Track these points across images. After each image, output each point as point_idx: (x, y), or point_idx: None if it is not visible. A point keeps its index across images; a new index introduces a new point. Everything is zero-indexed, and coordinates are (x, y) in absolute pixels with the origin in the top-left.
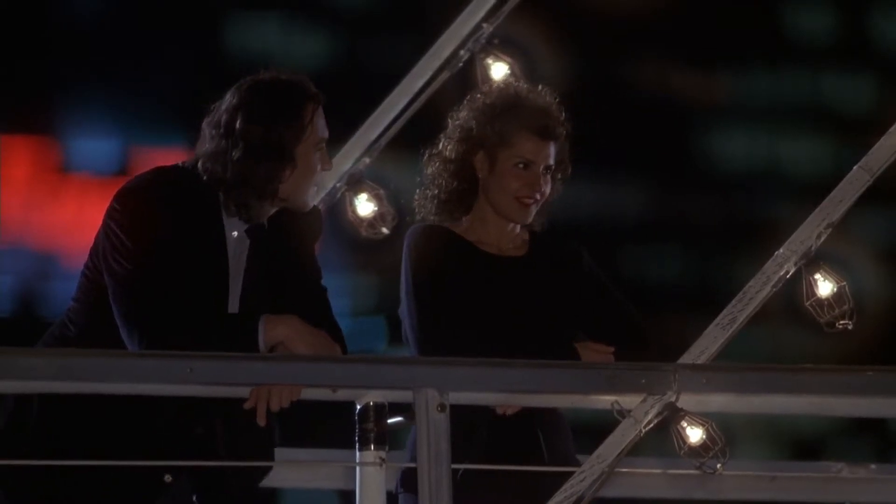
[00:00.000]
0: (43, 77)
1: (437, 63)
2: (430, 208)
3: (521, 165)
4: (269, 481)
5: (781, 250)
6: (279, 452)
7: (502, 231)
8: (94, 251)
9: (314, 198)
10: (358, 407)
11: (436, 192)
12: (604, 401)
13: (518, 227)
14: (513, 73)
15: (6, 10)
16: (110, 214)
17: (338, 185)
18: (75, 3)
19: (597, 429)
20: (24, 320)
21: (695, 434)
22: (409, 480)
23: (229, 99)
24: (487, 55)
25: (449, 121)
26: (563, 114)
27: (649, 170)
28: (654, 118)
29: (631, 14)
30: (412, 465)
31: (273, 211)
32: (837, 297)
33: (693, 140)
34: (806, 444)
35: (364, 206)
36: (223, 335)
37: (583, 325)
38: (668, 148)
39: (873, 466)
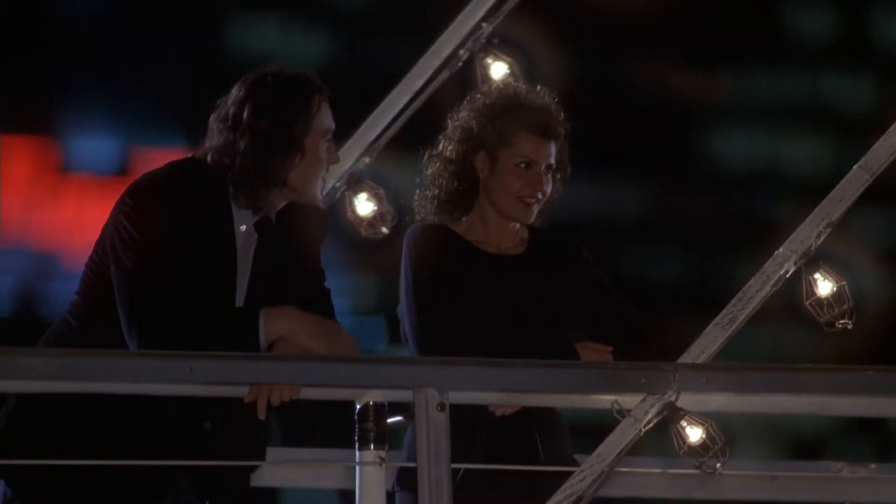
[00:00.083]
0: (43, 77)
1: (436, 63)
2: (431, 208)
3: (522, 165)
4: (269, 481)
5: (781, 250)
6: (279, 452)
7: (502, 230)
8: (101, 245)
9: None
10: (358, 407)
11: (436, 192)
12: (603, 400)
13: (518, 226)
14: (512, 73)
15: (6, 10)
16: (121, 209)
17: (338, 184)
18: (75, 3)
19: (597, 429)
20: (24, 320)
21: (694, 434)
22: (405, 478)
23: (235, 93)
24: (487, 55)
25: (449, 121)
26: (563, 114)
27: (649, 170)
28: (654, 118)
29: (631, 14)
30: (412, 464)
31: (282, 204)
32: (837, 296)
33: (693, 140)
34: (806, 444)
35: (364, 205)
36: (223, 331)
37: (582, 324)
38: (668, 148)
39: (873, 466)
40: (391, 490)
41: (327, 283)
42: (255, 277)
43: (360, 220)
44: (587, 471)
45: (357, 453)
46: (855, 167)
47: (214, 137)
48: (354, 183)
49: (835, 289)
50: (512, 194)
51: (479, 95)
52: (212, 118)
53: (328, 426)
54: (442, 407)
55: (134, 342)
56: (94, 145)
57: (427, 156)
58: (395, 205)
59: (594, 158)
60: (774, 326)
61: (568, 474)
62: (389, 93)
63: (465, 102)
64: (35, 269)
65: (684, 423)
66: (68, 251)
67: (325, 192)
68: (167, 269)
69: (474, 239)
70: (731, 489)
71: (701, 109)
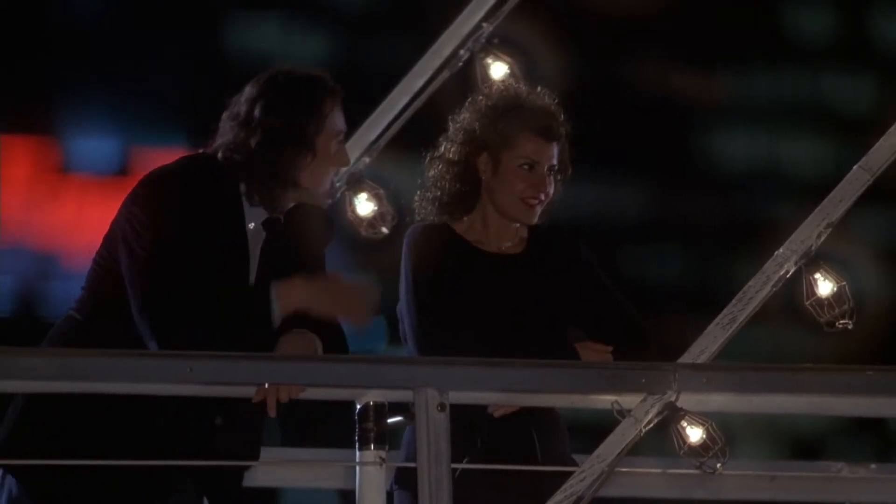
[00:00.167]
0: (43, 77)
1: (436, 63)
2: (432, 209)
3: (525, 167)
4: (269, 481)
5: (781, 250)
6: (279, 452)
7: (503, 230)
8: (109, 239)
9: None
10: (358, 407)
11: (438, 194)
12: (604, 400)
13: (518, 225)
14: (512, 73)
15: (6, 10)
16: (133, 199)
17: (338, 184)
18: (75, 3)
19: (597, 429)
20: (24, 320)
21: (695, 434)
22: (403, 477)
23: (248, 91)
24: (487, 55)
25: (450, 123)
26: (563, 114)
27: (649, 170)
28: (654, 118)
29: (631, 14)
30: (412, 464)
31: (291, 204)
32: (837, 296)
33: (693, 140)
34: (806, 444)
35: (364, 205)
36: (235, 312)
37: (582, 323)
38: (668, 148)
39: (873, 466)
40: (389, 489)
41: None
42: (261, 275)
43: (360, 220)
44: (587, 471)
45: (357, 453)
46: (855, 167)
47: (226, 134)
48: (354, 183)
49: (835, 289)
50: (515, 196)
51: (480, 97)
52: (224, 116)
53: (328, 426)
54: (442, 407)
55: (146, 327)
56: (94, 145)
57: (429, 157)
58: (395, 205)
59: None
60: (775, 327)
61: (568, 474)
62: (390, 93)
63: (466, 104)
64: (35, 269)
65: (684, 424)
66: (68, 251)
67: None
68: (179, 257)
69: (474, 239)
70: (731, 489)
71: (701, 109)
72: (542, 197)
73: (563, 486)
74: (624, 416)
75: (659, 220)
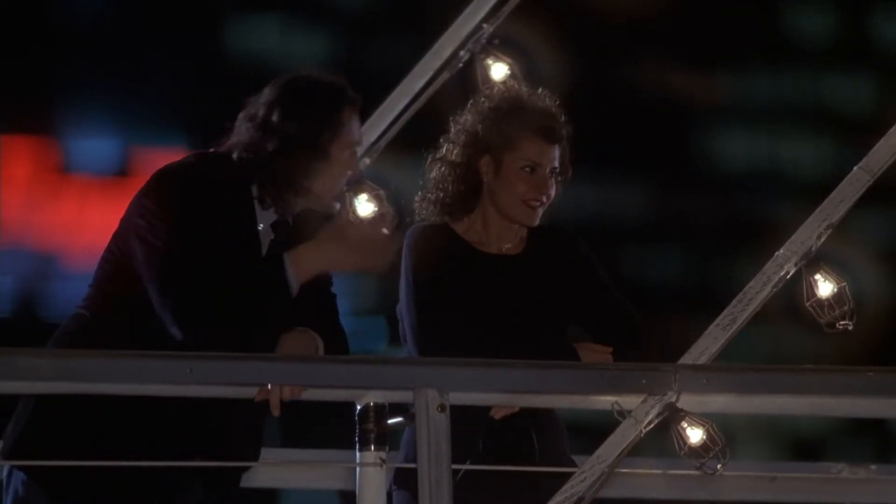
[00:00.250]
0: (43, 77)
1: (437, 63)
2: (434, 210)
3: (527, 169)
4: (270, 482)
5: (782, 251)
6: (280, 453)
7: (503, 231)
8: (120, 235)
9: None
10: (358, 407)
11: (440, 195)
12: (604, 401)
13: (518, 226)
14: (513, 74)
15: (6, 10)
16: (146, 193)
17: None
18: (75, 3)
19: (597, 429)
20: (24, 320)
21: (695, 434)
22: (402, 477)
23: (267, 93)
24: (487, 56)
25: (451, 124)
26: (564, 116)
27: (650, 170)
28: (654, 118)
29: (631, 14)
30: (412, 465)
31: (300, 209)
32: (838, 297)
33: (693, 140)
34: (806, 445)
35: (364, 206)
36: (253, 285)
37: (582, 323)
38: (668, 148)
39: (873, 467)
40: (388, 489)
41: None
42: None
43: (361, 220)
44: (587, 472)
45: (357, 454)
46: (855, 168)
47: (241, 135)
48: (354, 183)
49: (835, 290)
50: (517, 198)
51: (482, 99)
52: (240, 116)
53: (328, 427)
54: (442, 408)
55: (168, 314)
56: (94, 145)
57: (430, 159)
58: (395, 205)
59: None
60: (775, 327)
61: (568, 475)
62: (390, 94)
63: (468, 105)
64: (35, 269)
65: (685, 424)
66: (68, 251)
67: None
68: (195, 244)
69: (474, 239)
70: (731, 490)
71: (701, 109)
72: (544, 199)
73: (564, 487)
74: (624, 417)
75: (659, 220)
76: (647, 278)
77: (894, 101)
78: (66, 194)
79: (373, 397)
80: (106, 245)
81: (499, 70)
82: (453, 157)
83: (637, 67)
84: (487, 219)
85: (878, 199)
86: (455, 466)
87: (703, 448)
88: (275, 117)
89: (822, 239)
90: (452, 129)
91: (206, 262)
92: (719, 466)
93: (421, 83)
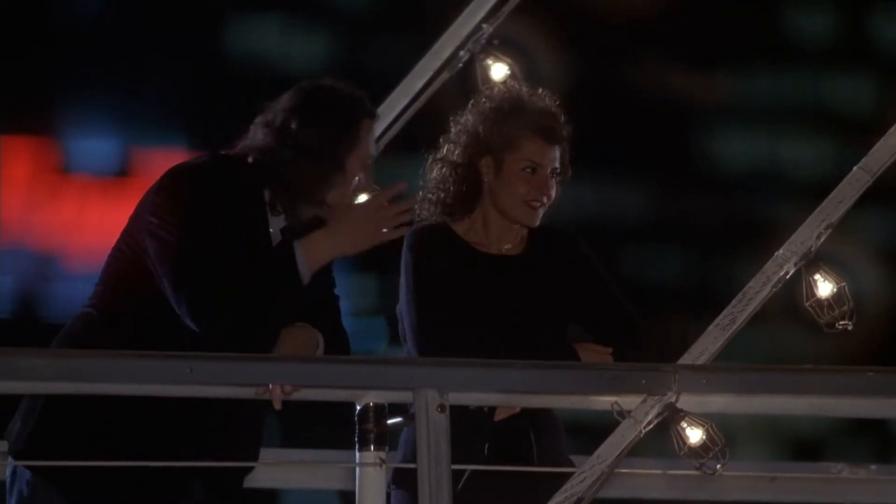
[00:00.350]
0: (43, 77)
1: (437, 63)
2: (433, 210)
3: (528, 169)
4: (269, 482)
5: (781, 251)
6: (279, 453)
7: (504, 232)
8: (129, 232)
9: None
10: (358, 407)
11: (441, 195)
12: (604, 401)
13: (518, 226)
14: (513, 74)
15: (6, 10)
16: (158, 191)
17: None
18: (75, 3)
19: (597, 429)
20: (24, 321)
21: (695, 435)
22: (400, 477)
23: (286, 100)
24: (487, 56)
25: (451, 124)
26: (564, 116)
27: (650, 170)
28: (654, 118)
29: (631, 14)
30: (412, 465)
31: (309, 215)
32: (837, 297)
33: (693, 140)
34: (806, 445)
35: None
36: (266, 274)
37: (581, 323)
38: (668, 148)
39: (873, 467)
40: (387, 489)
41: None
42: None
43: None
44: (587, 472)
45: (357, 454)
46: (855, 168)
47: (257, 139)
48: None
49: (835, 290)
50: (518, 198)
51: (483, 99)
52: (257, 120)
53: (328, 427)
54: (442, 408)
55: (184, 307)
56: (94, 145)
57: (430, 159)
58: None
59: (595, 159)
60: (775, 327)
61: (567, 476)
62: (390, 94)
63: (468, 106)
64: (35, 269)
65: (684, 425)
66: (68, 251)
67: None
68: (208, 238)
69: (474, 240)
70: (731, 490)
71: (701, 110)
72: (545, 199)
73: (564, 487)
74: (624, 417)
75: (659, 220)
76: (647, 278)
77: (894, 101)
78: (66, 194)
79: (372, 397)
80: (112, 244)
81: (499, 70)
82: (454, 158)
83: (637, 67)
84: (488, 219)
85: (877, 199)
86: (455, 467)
87: (703, 448)
88: (293, 125)
89: (822, 239)
90: (453, 130)
91: (218, 254)
92: (719, 467)
93: (421, 83)
